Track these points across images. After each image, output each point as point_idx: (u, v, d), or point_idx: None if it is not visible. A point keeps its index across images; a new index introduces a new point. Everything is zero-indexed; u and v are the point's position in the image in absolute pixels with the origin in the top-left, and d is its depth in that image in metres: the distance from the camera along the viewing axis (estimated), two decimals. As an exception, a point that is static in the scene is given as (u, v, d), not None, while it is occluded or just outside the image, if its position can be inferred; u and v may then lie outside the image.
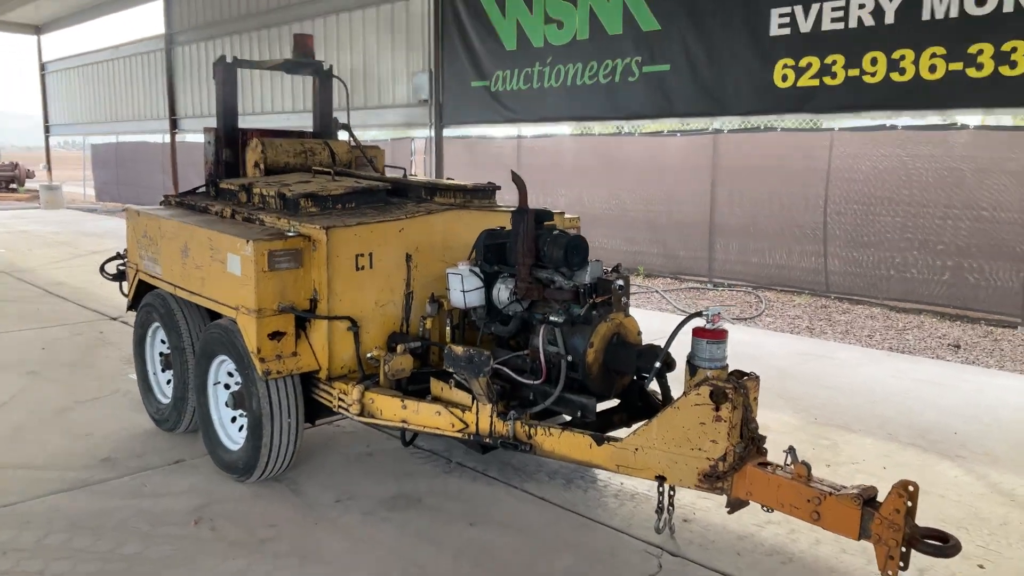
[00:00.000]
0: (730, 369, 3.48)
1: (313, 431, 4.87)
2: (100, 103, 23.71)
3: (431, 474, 4.56)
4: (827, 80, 7.54)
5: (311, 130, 6.31)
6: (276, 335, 4.06)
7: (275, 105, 16.36)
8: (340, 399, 4.11)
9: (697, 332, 3.42)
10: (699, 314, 3.44)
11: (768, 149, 10.20)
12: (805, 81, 7.69)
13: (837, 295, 9.82)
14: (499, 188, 5.26)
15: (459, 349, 3.57)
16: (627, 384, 3.97)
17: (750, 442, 3.32)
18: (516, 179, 3.89)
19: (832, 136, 9.57)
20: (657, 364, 3.55)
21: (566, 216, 5.24)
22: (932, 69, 6.84)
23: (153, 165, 22.13)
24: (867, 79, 7.26)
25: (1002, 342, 8.06)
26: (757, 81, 8.12)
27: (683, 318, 3.48)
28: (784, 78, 7.85)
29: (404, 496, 4.27)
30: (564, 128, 13.59)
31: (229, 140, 5.73)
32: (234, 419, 4.56)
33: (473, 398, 3.78)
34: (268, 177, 5.25)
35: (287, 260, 4.04)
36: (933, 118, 8.16)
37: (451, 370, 3.64)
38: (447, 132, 12.35)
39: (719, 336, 3.41)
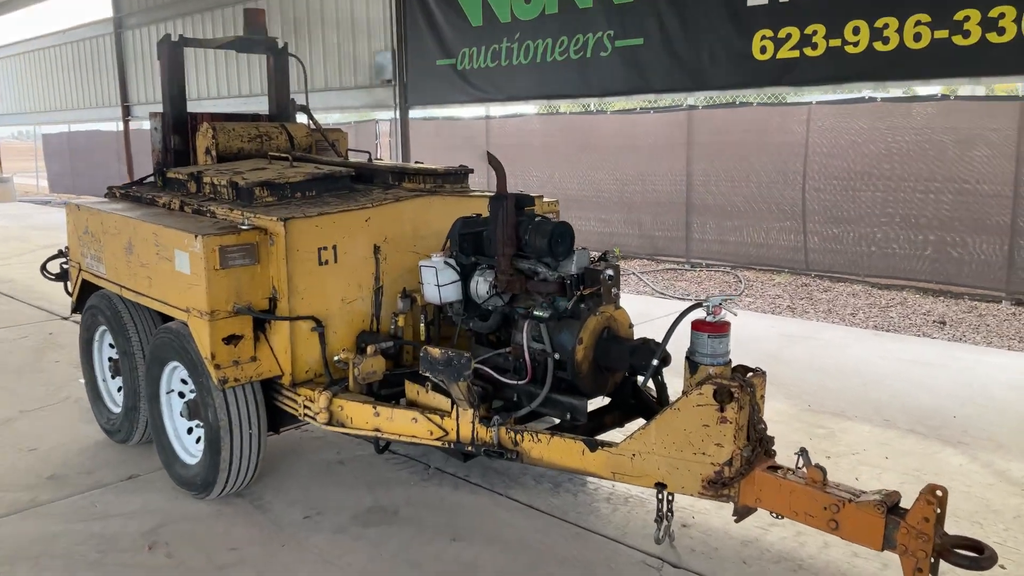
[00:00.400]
0: (733, 364, 3.20)
1: (278, 437, 4.50)
2: (49, 90, 22.78)
3: (408, 482, 4.22)
4: (808, 51, 7.25)
5: (267, 113, 5.88)
6: (232, 339, 3.69)
7: (231, 89, 15.75)
8: (306, 407, 3.75)
9: (697, 325, 3.12)
10: (699, 305, 3.14)
11: (745, 124, 9.93)
12: (785, 53, 7.40)
13: (817, 273, 9.63)
14: (471, 171, 4.92)
15: (436, 351, 3.23)
16: (620, 381, 3.67)
17: (758, 444, 3.04)
18: (493, 162, 3.55)
19: (809, 110, 9.33)
20: (655, 362, 3.24)
21: (545, 200, 4.92)
22: (917, 38, 6.59)
23: (108, 154, 21.31)
24: (849, 49, 6.99)
25: (987, 317, 7.92)
26: (735, 54, 7.81)
27: (683, 310, 3.17)
28: (763, 50, 7.55)
29: (379, 509, 3.94)
30: (531, 107, 13.20)
31: (177, 125, 5.34)
32: (190, 430, 4.18)
33: (452, 402, 3.45)
34: (220, 165, 4.85)
35: (241, 256, 3.67)
36: (918, 89, 7.96)
37: (427, 374, 3.30)
38: (413, 113, 11.91)
39: (721, 329, 3.11)
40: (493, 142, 12.34)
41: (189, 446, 4.18)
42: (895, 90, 7.82)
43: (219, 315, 3.63)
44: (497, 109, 12.07)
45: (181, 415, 4.11)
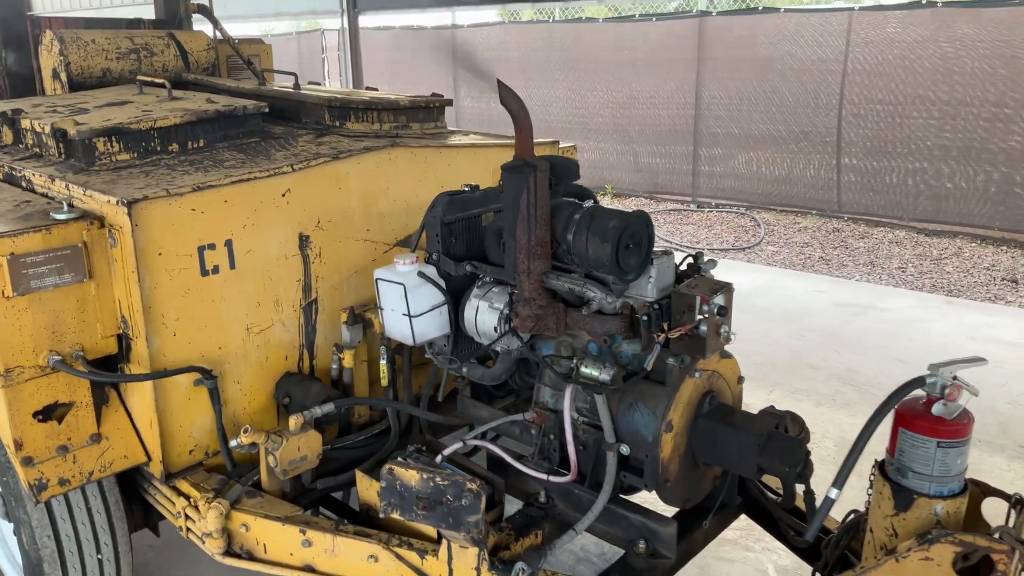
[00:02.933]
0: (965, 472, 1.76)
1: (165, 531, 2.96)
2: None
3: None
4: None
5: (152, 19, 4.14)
6: (51, 411, 2.13)
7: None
8: (188, 517, 2.21)
9: (910, 420, 1.66)
10: (919, 382, 1.64)
11: (768, 35, 8.28)
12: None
13: (851, 215, 8.17)
14: (449, 103, 3.33)
15: (412, 475, 1.70)
16: (721, 474, 2.20)
17: (1023, 643, 1.63)
18: (511, 102, 1.93)
19: (850, 17, 7.71)
20: (832, 497, 1.71)
21: (561, 146, 3.34)
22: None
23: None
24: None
25: (1067, 272, 6.60)
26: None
27: (892, 393, 1.67)
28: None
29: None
30: (494, 13, 11.33)
31: (10, 37, 3.62)
32: (17, 529, 2.63)
33: (440, 534, 1.95)
34: (62, 97, 3.15)
35: (56, 271, 2.06)
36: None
37: (395, 515, 1.78)
38: (364, 21, 9.96)
39: (960, 432, 1.65)
40: (460, 58, 10.51)
41: (17, 554, 2.63)
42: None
43: (22, 375, 2.06)
44: (466, 15, 10.18)
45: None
